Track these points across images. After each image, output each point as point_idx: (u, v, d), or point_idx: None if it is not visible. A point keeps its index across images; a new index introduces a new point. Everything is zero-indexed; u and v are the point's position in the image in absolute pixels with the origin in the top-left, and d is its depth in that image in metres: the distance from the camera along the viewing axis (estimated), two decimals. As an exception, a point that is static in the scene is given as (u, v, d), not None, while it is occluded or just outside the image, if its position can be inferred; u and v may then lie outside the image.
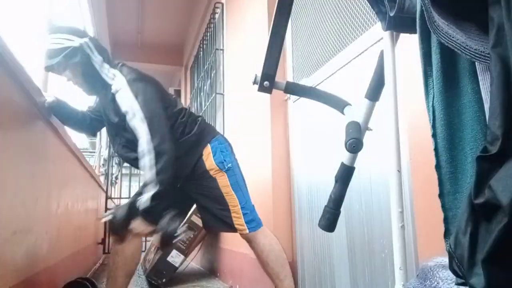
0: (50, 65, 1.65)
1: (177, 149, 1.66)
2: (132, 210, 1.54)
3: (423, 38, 0.66)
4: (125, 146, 1.73)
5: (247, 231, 1.71)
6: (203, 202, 1.79)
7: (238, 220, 1.71)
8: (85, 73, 1.67)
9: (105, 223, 4.72)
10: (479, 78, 0.58)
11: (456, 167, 0.62)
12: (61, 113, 1.83)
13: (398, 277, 0.77)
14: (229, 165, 1.74)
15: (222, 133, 3.44)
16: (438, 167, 0.64)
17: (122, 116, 1.63)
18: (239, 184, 1.75)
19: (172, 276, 3.02)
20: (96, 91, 1.75)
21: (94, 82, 1.69)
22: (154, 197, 1.50)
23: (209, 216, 1.78)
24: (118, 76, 1.66)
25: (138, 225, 1.55)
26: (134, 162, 1.70)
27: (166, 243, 1.57)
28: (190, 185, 1.77)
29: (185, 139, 1.72)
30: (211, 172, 1.73)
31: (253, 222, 1.73)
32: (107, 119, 1.75)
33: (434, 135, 0.65)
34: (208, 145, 1.75)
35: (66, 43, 1.63)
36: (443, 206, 0.63)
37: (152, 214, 1.55)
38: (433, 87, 0.65)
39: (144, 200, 1.51)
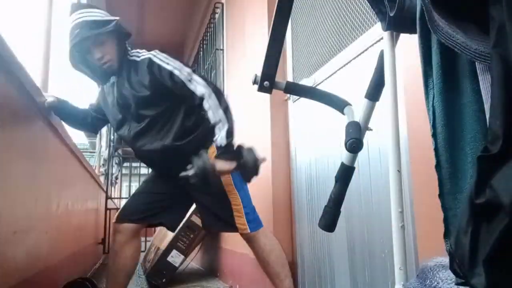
0: (88, 36, 1.62)
1: (186, 146, 1.67)
2: (206, 158, 1.55)
3: (423, 38, 0.66)
4: (139, 133, 1.70)
5: (248, 230, 1.70)
6: (204, 201, 1.78)
7: (240, 219, 1.71)
8: (119, 47, 1.72)
9: (104, 224, 4.72)
10: (479, 78, 0.58)
11: (456, 167, 0.62)
12: (61, 112, 1.84)
13: (398, 277, 0.77)
14: None
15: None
16: (438, 167, 0.64)
17: (154, 85, 1.64)
18: (242, 183, 1.74)
19: (172, 276, 3.02)
20: (122, 68, 1.73)
21: (122, 57, 1.73)
22: (228, 134, 1.56)
23: (209, 216, 1.78)
24: (144, 51, 1.73)
25: (222, 165, 1.56)
26: (146, 153, 1.73)
27: (254, 172, 1.61)
28: (194, 183, 1.76)
29: (193, 137, 1.70)
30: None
31: (254, 222, 1.73)
32: (126, 99, 1.70)
33: (434, 135, 0.65)
34: (214, 143, 1.73)
35: (106, 17, 1.70)
36: (443, 206, 0.63)
37: (230, 151, 1.59)
38: (433, 87, 0.65)
39: (221, 137, 1.55)
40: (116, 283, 1.73)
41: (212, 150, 1.69)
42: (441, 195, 0.63)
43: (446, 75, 0.63)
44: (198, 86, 1.61)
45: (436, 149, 0.64)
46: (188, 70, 1.65)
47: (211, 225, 1.82)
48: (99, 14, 1.69)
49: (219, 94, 1.61)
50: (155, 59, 1.67)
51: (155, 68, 1.66)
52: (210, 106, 1.58)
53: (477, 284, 0.44)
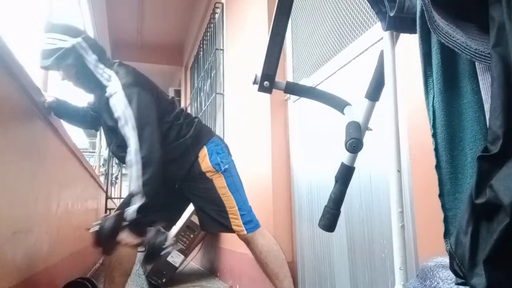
0: (44, 65, 1.65)
1: (172, 151, 1.67)
2: (119, 222, 1.53)
3: (423, 38, 0.66)
4: (120, 146, 1.70)
5: (245, 232, 1.70)
6: (199, 203, 1.78)
7: (236, 221, 1.70)
8: (79, 74, 1.66)
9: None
10: (479, 78, 0.58)
11: (456, 167, 0.62)
12: (61, 112, 1.85)
13: (398, 277, 0.77)
14: (226, 166, 1.73)
15: (222, 133, 3.44)
16: (438, 167, 0.63)
17: (115, 120, 1.62)
18: (236, 185, 1.74)
19: (172, 276, 3.02)
20: (92, 91, 1.74)
21: (88, 82, 1.68)
22: (140, 209, 1.50)
23: (206, 217, 1.78)
24: (114, 78, 1.63)
25: (125, 236, 1.55)
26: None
27: (153, 256, 1.58)
28: (186, 186, 1.77)
29: (180, 141, 1.71)
30: (208, 174, 1.72)
31: (251, 223, 1.72)
32: (103, 120, 1.74)
33: (434, 135, 0.65)
34: (204, 147, 1.75)
35: (59, 44, 1.61)
36: (443, 206, 0.63)
37: (139, 226, 1.54)
38: (433, 87, 0.65)
39: (131, 212, 1.51)
40: (113, 282, 1.72)
41: (203, 154, 1.73)
42: (441, 195, 0.63)
43: (446, 75, 0.63)
44: (131, 147, 1.54)
45: (436, 150, 0.64)
46: (132, 123, 1.55)
47: (208, 226, 1.82)
48: (53, 41, 1.62)
49: (149, 162, 1.52)
50: (111, 100, 1.60)
51: (110, 109, 1.62)
52: (132, 175, 1.53)
53: (477, 284, 0.44)
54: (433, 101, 0.65)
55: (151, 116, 1.61)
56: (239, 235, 1.74)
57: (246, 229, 1.70)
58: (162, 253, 1.56)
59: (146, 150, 1.53)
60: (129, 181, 1.58)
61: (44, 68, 1.70)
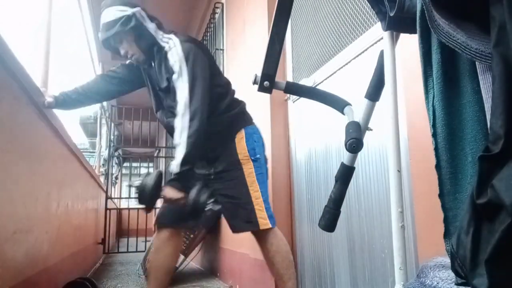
0: (106, 37, 1.68)
1: (217, 123, 1.68)
2: (160, 178, 1.53)
3: (423, 37, 0.66)
4: (169, 112, 1.74)
5: (270, 225, 1.65)
6: (228, 192, 1.71)
7: (261, 213, 1.65)
8: (140, 38, 1.69)
9: (104, 224, 4.72)
10: (480, 77, 0.58)
11: (456, 167, 0.61)
12: (64, 107, 1.83)
13: (398, 277, 0.77)
14: (258, 156, 1.70)
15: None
16: (438, 167, 0.63)
17: (170, 78, 1.64)
18: (263, 178, 1.70)
19: (172, 276, 3.01)
20: (151, 57, 1.74)
21: (149, 47, 1.71)
22: (184, 162, 1.51)
23: (233, 213, 1.71)
24: (173, 38, 1.68)
25: (168, 191, 1.53)
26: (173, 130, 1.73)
27: (196, 213, 1.53)
28: (219, 181, 1.73)
29: (226, 115, 1.71)
30: (240, 157, 1.69)
31: (272, 218, 1.69)
32: (156, 86, 1.75)
33: (434, 135, 0.64)
34: (243, 129, 1.72)
35: (120, 14, 1.66)
36: (443, 206, 0.63)
37: (182, 180, 1.53)
38: (433, 87, 0.65)
39: (175, 165, 1.51)
40: (156, 280, 1.71)
41: (241, 136, 1.71)
42: (441, 195, 0.63)
43: (447, 75, 0.63)
44: (181, 99, 1.57)
45: (436, 149, 0.64)
46: (186, 76, 1.59)
47: (235, 226, 1.73)
48: (114, 13, 1.67)
49: (196, 115, 1.55)
50: (169, 54, 1.65)
51: (167, 64, 1.66)
52: (178, 126, 1.55)
53: (479, 284, 0.44)
54: (433, 100, 0.64)
55: (205, 75, 1.63)
56: (258, 231, 1.67)
57: (270, 222, 1.66)
58: (206, 209, 1.54)
59: (195, 103, 1.55)
60: (175, 130, 1.57)
61: (106, 41, 1.71)
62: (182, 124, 1.54)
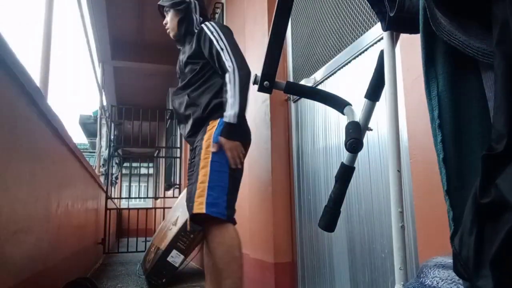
0: (162, 3, 2.06)
1: (202, 98, 1.79)
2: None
3: (426, 26, 0.63)
4: (177, 90, 1.93)
5: (204, 210, 1.53)
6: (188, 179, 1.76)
7: (200, 198, 1.56)
8: (182, 21, 1.96)
9: (104, 224, 4.72)
10: (482, 75, 0.57)
11: (463, 162, 0.59)
12: None
13: (398, 277, 0.77)
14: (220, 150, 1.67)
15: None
16: (445, 160, 0.59)
17: (197, 51, 1.84)
18: (221, 168, 1.63)
19: (172, 276, 3.02)
20: (183, 41, 1.99)
21: (185, 31, 1.96)
22: (239, 114, 1.64)
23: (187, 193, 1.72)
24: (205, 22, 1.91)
25: (223, 141, 1.65)
26: (178, 114, 1.90)
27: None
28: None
29: (213, 99, 1.77)
30: (204, 145, 1.68)
31: (215, 207, 1.56)
32: (178, 69, 2.00)
33: (440, 126, 0.60)
34: (218, 120, 1.72)
35: None
36: (450, 204, 0.59)
37: (235, 131, 1.67)
38: (435, 76, 0.62)
39: (232, 115, 1.64)
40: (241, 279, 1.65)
41: (213, 125, 1.74)
42: (448, 192, 0.59)
43: (455, 65, 0.60)
44: (227, 62, 1.72)
45: (443, 141, 0.60)
46: (225, 44, 1.77)
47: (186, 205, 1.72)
48: None
49: (243, 75, 1.69)
50: (205, 28, 1.85)
51: (202, 34, 1.83)
52: (230, 81, 1.68)
53: (484, 286, 0.43)
54: (437, 89, 0.61)
55: (239, 50, 1.82)
56: (205, 220, 1.59)
57: (206, 208, 1.54)
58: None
59: (242, 69, 1.72)
60: (227, 87, 1.70)
61: (160, 5, 2.08)
62: (234, 80, 1.67)
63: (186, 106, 1.83)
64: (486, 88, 0.56)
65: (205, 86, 1.82)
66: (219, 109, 1.74)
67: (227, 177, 1.64)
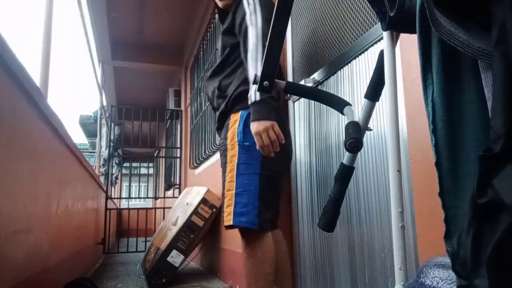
0: None
1: (227, 85, 1.56)
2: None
3: (423, 31, 0.64)
4: (209, 78, 1.68)
5: (231, 222, 1.40)
6: None
7: (228, 208, 1.41)
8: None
9: (104, 224, 4.72)
10: (482, 76, 0.57)
11: (457, 165, 0.60)
12: None
13: (398, 277, 0.77)
14: (247, 143, 1.44)
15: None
16: (438, 164, 0.61)
17: (231, 25, 1.60)
18: (249, 170, 1.43)
19: (172, 276, 3.02)
20: (225, 18, 1.74)
21: (234, 8, 1.66)
22: (262, 80, 1.47)
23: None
24: None
25: (254, 126, 1.37)
26: (212, 103, 1.68)
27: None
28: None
29: (237, 86, 1.53)
30: (228, 141, 1.49)
31: (245, 216, 1.40)
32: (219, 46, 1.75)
33: (434, 131, 0.63)
34: (240, 112, 1.50)
35: None
36: (443, 205, 0.61)
37: (263, 109, 1.38)
38: (432, 82, 0.63)
39: (253, 91, 1.37)
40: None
41: (235, 119, 1.53)
42: (441, 194, 0.61)
43: (448, 70, 0.62)
44: (251, 37, 1.47)
45: (436, 146, 0.62)
46: (259, 18, 1.49)
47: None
48: None
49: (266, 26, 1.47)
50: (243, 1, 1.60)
51: (240, 5, 1.58)
52: (251, 57, 1.43)
53: (481, 285, 0.44)
54: (432, 96, 0.63)
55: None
56: (228, 227, 1.45)
57: (233, 219, 1.39)
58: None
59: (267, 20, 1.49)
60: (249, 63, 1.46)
61: None
62: (254, 55, 1.43)
63: (217, 96, 1.60)
64: (486, 89, 0.56)
65: (237, 72, 1.57)
66: (244, 99, 1.46)
67: (258, 179, 1.43)
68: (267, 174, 1.45)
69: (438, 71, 0.62)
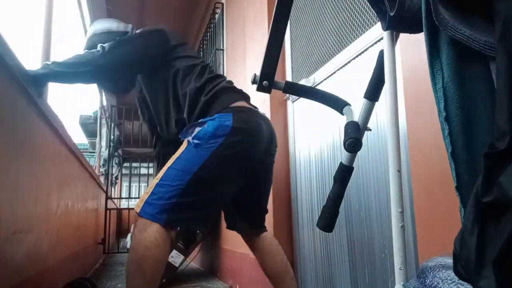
0: None
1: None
2: None
3: (429, 18, 0.61)
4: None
5: (138, 209, 1.28)
6: None
7: (145, 195, 1.30)
8: None
9: (104, 224, 4.71)
10: (491, 67, 0.55)
11: (474, 156, 0.55)
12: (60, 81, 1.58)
13: (398, 277, 0.76)
14: (197, 141, 1.31)
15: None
16: (453, 154, 0.56)
17: None
18: (186, 166, 1.29)
19: (172, 276, 3.01)
20: None
21: None
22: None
23: None
24: None
25: None
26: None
27: None
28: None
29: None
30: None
31: (151, 208, 1.26)
32: None
33: (447, 119, 0.57)
34: (216, 115, 1.36)
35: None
36: (462, 200, 0.56)
37: None
38: (441, 68, 0.59)
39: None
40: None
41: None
42: (458, 187, 0.56)
43: (459, 56, 0.58)
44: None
45: (450, 134, 0.56)
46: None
47: None
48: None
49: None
50: None
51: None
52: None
53: (486, 287, 0.43)
54: (443, 81, 0.58)
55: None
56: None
57: (141, 208, 1.27)
58: None
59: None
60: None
61: None
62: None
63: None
64: (495, 79, 0.54)
65: (170, 104, 1.59)
66: (214, 104, 1.46)
67: (189, 178, 1.29)
68: (205, 175, 1.32)
69: (449, 55, 0.58)
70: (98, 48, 1.50)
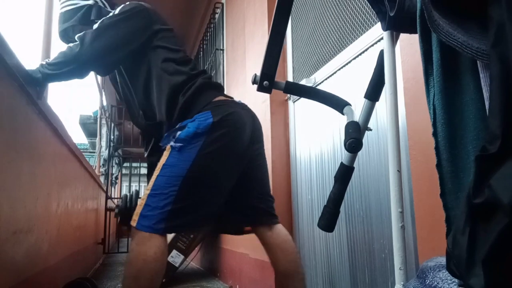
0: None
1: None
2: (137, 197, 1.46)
3: (424, 36, 0.65)
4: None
5: (135, 224, 1.24)
6: None
7: (138, 208, 1.27)
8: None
9: (104, 224, 4.72)
10: (481, 76, 0.57)
11: (458, 166, 0.61)
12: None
13: (398, 277, 0.77)
14: (180, 144, 1.29)
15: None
16: (439, 166, 0.62)
17: None
18: (172, 171, 1.27)
19: (172, 276, 3.02)
20: None
21: None
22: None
23: None
24: None
25: None
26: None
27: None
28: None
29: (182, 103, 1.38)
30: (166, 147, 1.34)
31: (147, 220, 1.23)
32: None
33: (434, 134, 0.64)
34: (195, 116, 1.33)
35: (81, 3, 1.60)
36: (445, 206, 0.62)
37: None
38: (433, 86, 0.64)
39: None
40: None
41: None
42: (442, 195, 0.62)
43: (447, 73, 0.62)
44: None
45: (436, 148, 0.63)
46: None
47: None
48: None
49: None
50: None
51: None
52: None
53: (475, 284, 0.44)
54: (433, 99, 0.64)
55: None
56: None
57: (137, 223, 1.23)
58: None
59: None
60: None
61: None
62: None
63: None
64: (484, 88, 0.57)
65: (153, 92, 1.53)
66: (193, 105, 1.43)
67: (180, 181, 1.26)
68: (197, 176, 1.29)
69: (438, 74, 0.63)
70: (76, 40, 1.41)
